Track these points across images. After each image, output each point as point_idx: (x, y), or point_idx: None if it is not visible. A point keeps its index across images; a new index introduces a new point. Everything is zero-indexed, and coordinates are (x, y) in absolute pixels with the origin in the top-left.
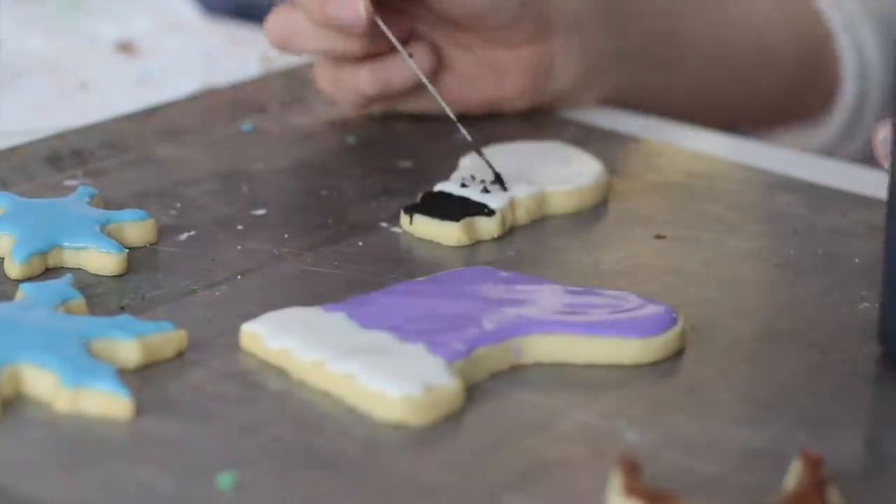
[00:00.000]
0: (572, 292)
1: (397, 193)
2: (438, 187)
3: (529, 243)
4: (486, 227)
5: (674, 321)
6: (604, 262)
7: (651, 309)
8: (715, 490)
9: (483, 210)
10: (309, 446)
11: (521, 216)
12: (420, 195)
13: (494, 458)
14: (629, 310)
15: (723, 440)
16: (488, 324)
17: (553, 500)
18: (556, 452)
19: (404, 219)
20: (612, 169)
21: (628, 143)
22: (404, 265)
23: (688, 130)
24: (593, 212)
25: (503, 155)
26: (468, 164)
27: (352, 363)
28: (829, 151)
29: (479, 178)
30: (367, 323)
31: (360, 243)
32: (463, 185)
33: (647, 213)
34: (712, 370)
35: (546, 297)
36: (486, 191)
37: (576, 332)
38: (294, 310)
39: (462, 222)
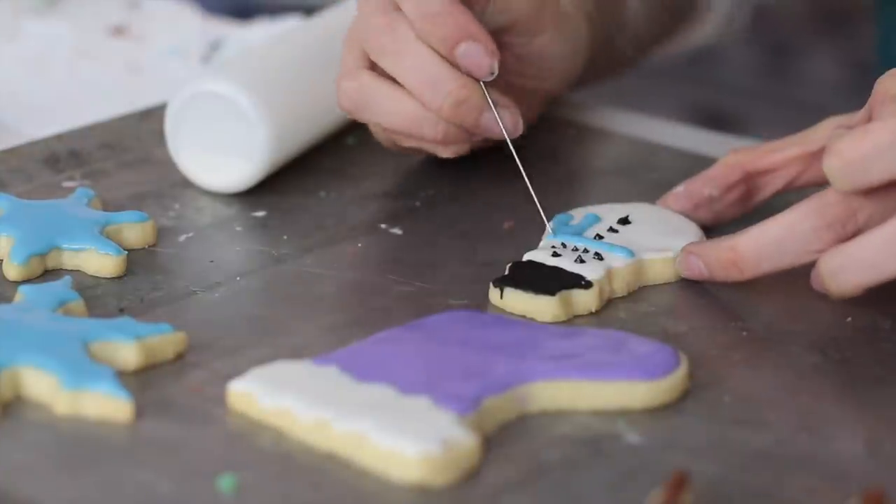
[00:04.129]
0: (566, 335)
1: (397, 195)
2: (528, 256)
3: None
4: (584, 300)
5: (677, 360)
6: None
7: (650, 347)
8: (716, 492)
9: (579, 282)
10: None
11: (619, 287)
12: (508, 265)
13: (495, 460)
14: (628, 350)
15: (724, 442)
16: (491, 371)
17: (553, 502)
18: (557, 454)
19: (494, 293)
20: (610, 168)
21: (628, 143)
22: (403, 267)
23: (687, 131)
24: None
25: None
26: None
27: (359, 420)
28: (720, 36)
29: (570, 245)
30: (361, 376)
31: (360, 245)
32: (555, 255)
33: None
34: (713, 372)
35: (542, 341)
36: (580, 260)
37: (582, 377)
38: (282, 364)
39: (558, 296)
